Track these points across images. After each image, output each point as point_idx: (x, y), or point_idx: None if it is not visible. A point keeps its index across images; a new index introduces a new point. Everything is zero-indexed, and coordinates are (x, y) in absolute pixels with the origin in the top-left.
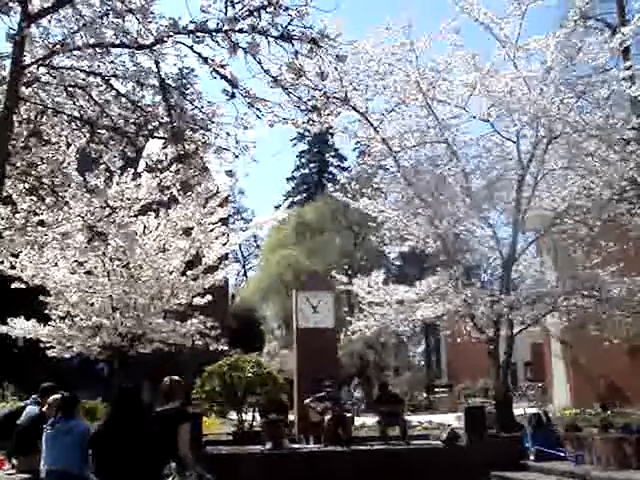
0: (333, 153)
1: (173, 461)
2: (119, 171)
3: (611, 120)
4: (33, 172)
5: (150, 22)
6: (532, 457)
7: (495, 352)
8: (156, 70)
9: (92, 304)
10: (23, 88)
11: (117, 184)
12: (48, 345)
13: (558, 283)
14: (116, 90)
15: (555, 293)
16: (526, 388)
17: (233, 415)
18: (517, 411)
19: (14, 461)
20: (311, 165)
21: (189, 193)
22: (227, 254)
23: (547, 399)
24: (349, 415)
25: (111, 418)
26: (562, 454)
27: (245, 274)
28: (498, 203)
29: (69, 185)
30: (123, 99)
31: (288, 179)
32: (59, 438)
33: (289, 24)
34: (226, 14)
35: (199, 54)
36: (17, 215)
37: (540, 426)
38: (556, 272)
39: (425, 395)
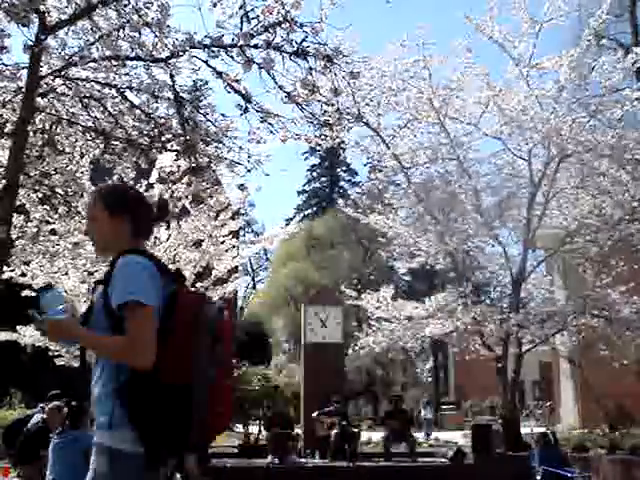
0: (344, 168)
1: (178, 473)
2: (132, 182)
3: (623, 140)
4: (47, 182)
5: (166, 36)
6: (539, 477)
7: (503, 370)
8: (171, 83)
9: None
10: (39, 98)
11: None
12: (56, 354)
13: (567, 302)
14: (130, 102)
15: (564, 312)
16: (534, 407)
17: (239, 428)
18: (524, 430)
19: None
20: (322, 179)
21: (201, 205)
22: (237, 267)
23: (555, 419)
24: (356, 430)
25: None
26: (569, 474)
27: (254, 287)
28: (508, 221)
29: (82, 195)
30: (137, 111)
31: (299, 192)
32: (65, 449)
33: (304, 40)
34: (241, 30)
35: (214, 68)
36: (29, 224)
37: (547, 446)
38: (566, 291)
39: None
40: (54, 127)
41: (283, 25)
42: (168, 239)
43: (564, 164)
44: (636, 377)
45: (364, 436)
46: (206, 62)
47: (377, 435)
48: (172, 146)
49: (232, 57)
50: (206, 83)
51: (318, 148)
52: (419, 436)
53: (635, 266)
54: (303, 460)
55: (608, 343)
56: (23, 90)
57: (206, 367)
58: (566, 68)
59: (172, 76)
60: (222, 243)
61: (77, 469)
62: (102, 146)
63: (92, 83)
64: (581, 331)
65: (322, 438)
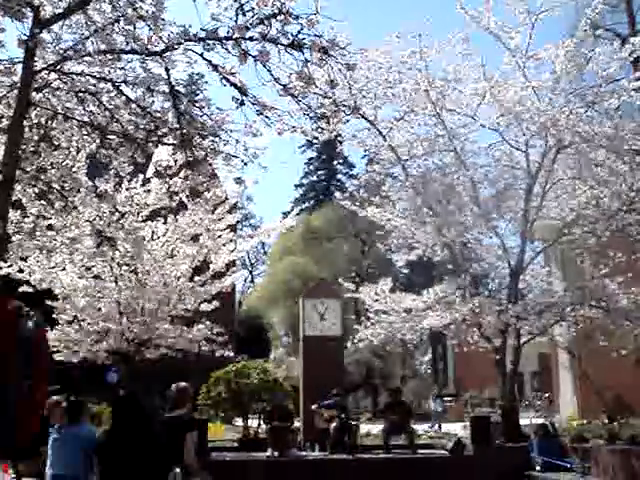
0: (341, 161)
1: (178, 467)
2: (128, 177)
3: (620, 131)
4: (43, 177)
5: (161, 29)
6: (538, 467)
7: (502, 362)
8: (166, 77)
9: (99, 309)
10: (34, 93)
11: (126, 189)
12: (55, 349)
13: (566, 293)
14: (126, 96)
15: (563, 303)
16: (533, 398)
17: (239, 421)
18: (524, 421)
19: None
20: (319, 172)
21: (198, 199)
22: (235, 260)
23: (554, 410)
24: (355, 423)
25: (114, 425)
26: (568, 465)
27: (252, 281)
28: (506, 212)
29: (78, 190)
30: (133, 105)
31: (296, 186)
32: (65, 443)
33: (299, 32)
34: (237, 22)
35: (209, 61)
36: (26, 219)
37: (546, 436)
38: (564, 282)
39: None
40: (50, 122)
41: (278, 17)
42: (165, 234)
43: (561, 155)
44: (635, 367)
45: (363, 428)
46: (201, 55)
47: (376, 427)
48: (168, 140)
49: (227, 50)
50: (202, 77)
51: (315, 141)
52: (419, 428)
53: (633, 256)
54: (303, 453)
55: (606, 334)
56: (18, 85)
57: (18, 378)
58: (562, 59)
59: (167, 69)
60: (219, 237)
61: (76, 464)
62: (98, 141)
63: (87, 77)
64: (579, 322)
65: (321, 431)
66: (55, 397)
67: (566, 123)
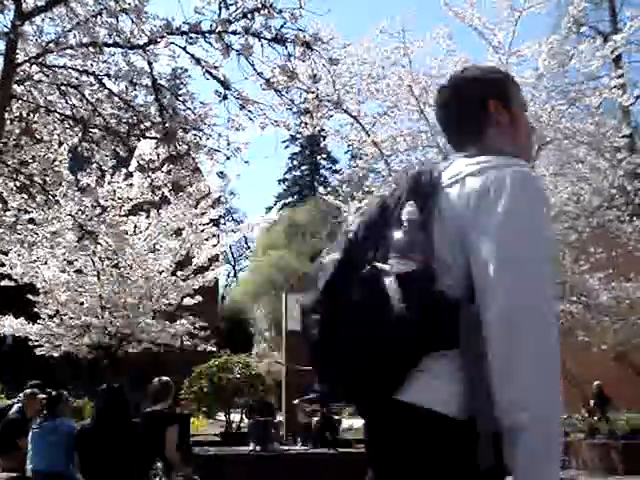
0: (325, 156)
1: (160, 462)
2: (111, 170)
3: (602, 128)
4: (24, 170)
5: (144, 22)
6: None
7: None
8: (149, 70)
9: (81, 303)
10: (15, 86)
11: (108, 183)
12: (37, 343)
13: None
14: (109, 89)
15: None
16: None
17: (221, 416)
18: None
19: None
20: (303, 167)
21: (180, 194)
22: (218, 255)
23: None
24: (337, 417)
25: (96, 418)
26: None
27: (235, 275)
28: None
29: (60, 184)
30: (116, 98)
31: (280, 181)
32: (44, 437)
33: (282, 27)
34: (220, 16)
35: (192, 55)
36: (7, 213)
37: None
38: None
39: None
40: (31, 115)
41: (261, 11)
42: (148, 228)
43: (543, 151)
44: (614, 362)
45: (346, 423)
46: (184, 49)
47: (359, 422)
48: (151, 134)
49: (210, 44)
50: (185, 70)
51: (299, 136)
52: None
53: (613, 253)
54: (285, 447)
55: (587, 329)
56: None
57: None
58: (545, 56)
59: (150, 63)
60: (202, 231)
61: (56, 458)
62: (80, 134)
63: (69, 70)
64: (560, 317)
65: (304, 425)
66: (29, 390)
67: (548, 120)
